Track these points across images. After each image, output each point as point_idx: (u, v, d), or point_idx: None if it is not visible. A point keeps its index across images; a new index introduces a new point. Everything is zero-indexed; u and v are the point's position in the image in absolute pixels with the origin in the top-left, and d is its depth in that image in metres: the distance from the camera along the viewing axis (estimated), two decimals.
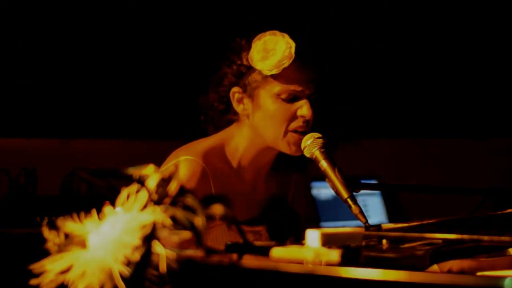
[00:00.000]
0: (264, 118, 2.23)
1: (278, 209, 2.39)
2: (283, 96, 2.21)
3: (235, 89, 2.26)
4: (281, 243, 2.08)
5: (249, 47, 2.22)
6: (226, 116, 2.31)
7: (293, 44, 2.18)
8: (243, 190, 2.31)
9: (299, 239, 2.37)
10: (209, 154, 2.26)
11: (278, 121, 2.22)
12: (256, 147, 2.28)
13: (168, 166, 2.24)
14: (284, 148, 2.25)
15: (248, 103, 2.25)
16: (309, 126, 2.23)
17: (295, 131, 2.22)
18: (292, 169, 2.40)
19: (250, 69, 2.23)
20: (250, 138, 2.28)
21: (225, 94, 2.28)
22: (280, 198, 2.41)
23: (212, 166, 2.24)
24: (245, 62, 2.23)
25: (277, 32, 2.20)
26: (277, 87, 2.21)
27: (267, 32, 2.21)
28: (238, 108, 2.27)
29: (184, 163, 2.22)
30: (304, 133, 2.22)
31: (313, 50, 2.25)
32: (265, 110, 2.23)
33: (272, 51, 2.19)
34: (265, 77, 2.21)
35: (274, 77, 2.21)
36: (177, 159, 2.23)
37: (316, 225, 4.13)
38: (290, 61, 2.18)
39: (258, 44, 2.20)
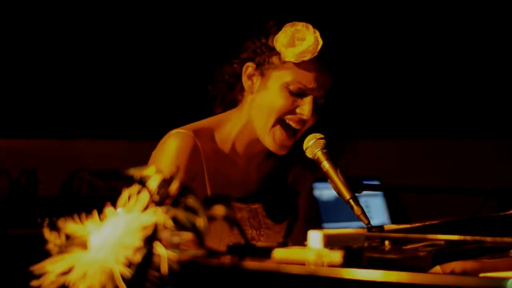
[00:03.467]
0: (265, 100, 2.22)
1: (275, 187, 2.38)
2: (291, 88, 2.20)
3: (249, 63, 2.25)
4: (283, 242, 2.07)
5: (278, 31, 2.21)
6: (233, 92, 2.30)
7: (321, 42, 2.18)
8: (236, 175, 2.30)
9: (295, 218, 2.37)
10: (201, 132, 2.26)
11: (275, 109, 2.21)
12: (248, 134, 2.28)
13: (160, 142, 2.24)
14: (268, 141, 2.24)
15: (257, 81, 2.25)
16: (303, 127, 2.22)
17: (287, 126, 2.21)
18: (290, 164, 2.40)
19: (272, 50, 2.22)
20: (244, 122, 2.27)
21: (238, 67, 2.28)
22: (278, 179, 2.40)
23: (204, 143, 2.24)
24: (270, 43, 2.23)
25: (310, 26, 2.20)
26: (289, 76, 2.20)
27: (301, 23, 2.20)
28: (246, 83, 2.26)
29: (175, 136, 2.23)
30: (294, 133, 2.21)
31: (337, 56, 2.24)
32: (270, 92, 2.22)
33: (299, 41, 2.18)
34: (283, 63, 2.21)
35: (290, 66, 2.20)
36: (168, 134, 2.24)
37: (317, 225, 4.12)
38: (312, 56, 2.18)
39: (288, 30, 2.19)
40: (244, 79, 2.26)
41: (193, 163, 2.20)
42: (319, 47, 2.18)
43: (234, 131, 2.29)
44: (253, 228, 2.29)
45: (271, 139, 2.23)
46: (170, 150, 2.20)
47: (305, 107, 2.20)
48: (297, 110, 2.21)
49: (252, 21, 2.30)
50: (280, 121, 2.22)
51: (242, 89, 2.28)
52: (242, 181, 2.31)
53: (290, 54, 2.18)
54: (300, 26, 2.20)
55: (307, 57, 2.17)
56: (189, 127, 2.27)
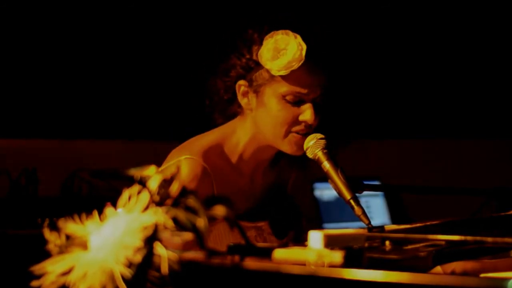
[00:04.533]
0: (267, 117, 2.21)
1: (278, 202, 2.38)
2: (288, 98, 2.17)
3: (241, 82, 2.22)
4: (284, 242, 2.07)
5: (260, 41, 2.17)
6: (231, 107, 2.28)
7: (304, 47, 2.13)
8: (242, 183, 2.29)
9: (299, 233, 2.37)
10: (209, 152, 2.24)
11: (280, 123, 2.19)
12: (257, 143, 2.27)
13: (169, 165, 2.23)
14: (285, 148, 2.23)
15: (252, 98, 2.22)
16: (311, 129, 2.21)
17: (296, 132, 2.20)
18: (292, 167, 2.39)
19: (259, 65, 2.18)
20: (252, 133, 2.26)
21: (231, 84, 2.24)
22: (279, 190, 2.40)
23: (213, 164, 2.22)
24: (254, 57, 2.19)
25: (290, 32, 2.15)
26: (283, 87, 2.17)
27: (280, 31, 2.15)
28: (243, 101, 2.24)
29: (185, 163, 2.20)
30: (305, 135, 2.20)
31: (325, 53, 2.20)
32: (269, 108, 2.20)
33: (282, 51, 2.14)
34: (273, 76, 2.16)
35: (281, 77, 2.16)
36: (178, 159, 2.22)
37: (317, 226, 4.12)
38: (300, 64, 2.13)
39: (269, 42, 2.15)
40: (239, 98, 2.23)
41: (203, 189, 2.19)
42: (304, 52, 2.13)
43: (241, 143, 2.28)
44: None
45: (288, 145, 2.22)
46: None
47: (307, 113, 2.18)
48: (300, 118, 2.18)
49: (233, 32, 2.27)
50: (290, 130, 2.20)
51: (240, 105, 2.27)
52: (247, 188, 2.31)
53: (276, 67, 2.14)
54: (279, 35, 2.15)
55: (295, 66, 2.13)
56: (199, 149, 2.23)
